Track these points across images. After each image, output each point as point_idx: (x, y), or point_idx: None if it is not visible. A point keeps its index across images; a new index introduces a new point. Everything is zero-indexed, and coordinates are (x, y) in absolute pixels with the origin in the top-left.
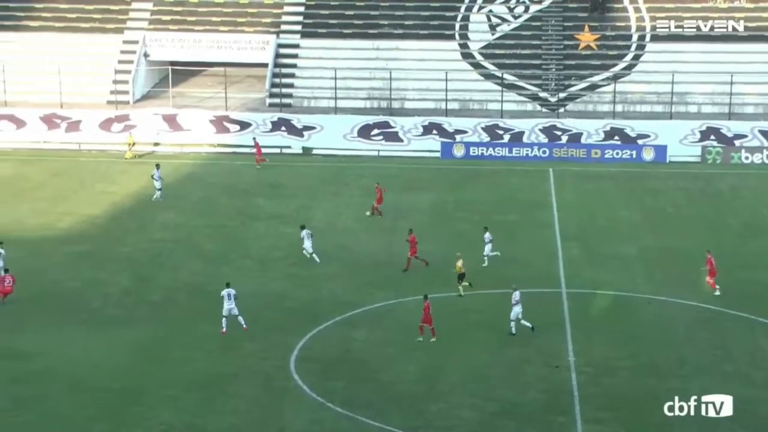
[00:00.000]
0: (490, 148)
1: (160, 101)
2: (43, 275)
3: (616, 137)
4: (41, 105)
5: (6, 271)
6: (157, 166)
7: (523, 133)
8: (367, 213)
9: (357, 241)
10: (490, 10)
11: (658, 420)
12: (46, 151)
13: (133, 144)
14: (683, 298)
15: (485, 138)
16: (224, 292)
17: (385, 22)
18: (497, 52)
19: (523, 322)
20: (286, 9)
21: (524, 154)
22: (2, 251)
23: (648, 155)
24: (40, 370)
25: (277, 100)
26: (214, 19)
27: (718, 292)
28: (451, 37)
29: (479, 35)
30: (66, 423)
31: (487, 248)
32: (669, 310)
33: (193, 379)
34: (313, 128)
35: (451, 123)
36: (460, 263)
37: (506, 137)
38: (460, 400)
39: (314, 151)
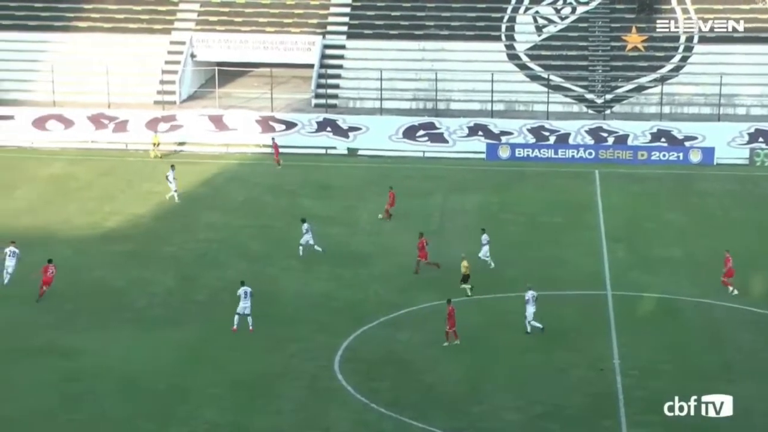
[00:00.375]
0: (536, 150)
1: (207, 101)
2: (90, 273)
3: (663, 139)
4: (89, 105)
5: (50, 261)
6: (172, 167)
7: (569, 134)
8: (380, 216)
9: (402, 243)
10: (537, 12)
11: (705, 424)
12: (93, 151)
13: (158, 144)
14: (730, 301)
15: (531, 139)
16: (240, 291)
17: (431, 23)
18: (543, 53)
19: (528, 323)
20: (333, 10)
21: (570, 156)
22: (17, 250)
23: (695, 157)
24: (88, 368)
25: (322, 101)
26: (260, 19)
27: (734, 291)
28: (497, 39)
29: (525, 36)
30: (113, 421)
31: (484, 250)
32: (715, 313)
33: (238, 378)
34: (358, 129)
35: (496, 124)
36: (465, 263)
37: (552, 139)
38: (503, 402)
39: (359, 152)
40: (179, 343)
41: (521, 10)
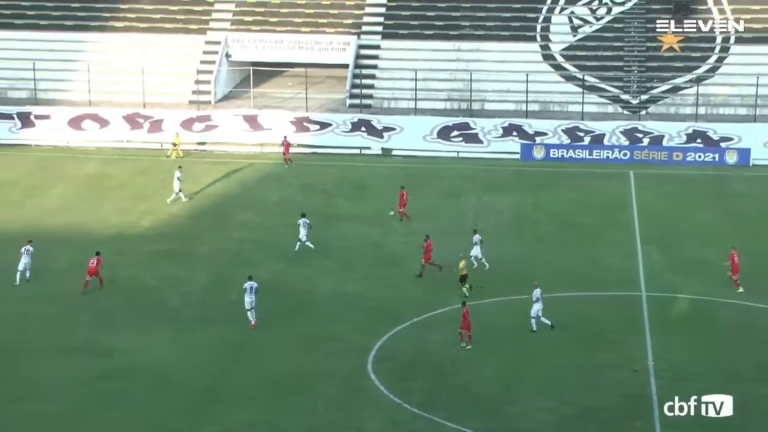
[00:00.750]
0: (571, 150)
1: (242, 101)
2: (125, 272)
3: (699, 140)
4: (124, 105)
5: (97, 253)
6: (179, 167)
7: (603, 135)
8: (391, 213)
9: (436, 243)
10: (572, 12)
11: (738, 423)
12: (128, 150)
13: (179, 144)
14: (765, 303)
15: (565, 140)
16: (246, 285)
17: (466, 24)
18: (579, 53)
19: (543, 319)
20: (368, 10)
21: (605, 157)
22: (31, 248)
23: (731, 158)
24: (123, 367)
25: (357, 101)
26: (295, 20)
27: (741, 289)
28: (533, 39)
29: (561, 37)
30: (148, 420)
31: (476, 250)
32: (750, 315)
33: (271, 378)
34: (392, 129)
35: (531, 125)
36: (462, 264)
37: (587, 139)
38: (537, 402)
39: (394, 152)
40: (213, 342)
41: (556, 11)
